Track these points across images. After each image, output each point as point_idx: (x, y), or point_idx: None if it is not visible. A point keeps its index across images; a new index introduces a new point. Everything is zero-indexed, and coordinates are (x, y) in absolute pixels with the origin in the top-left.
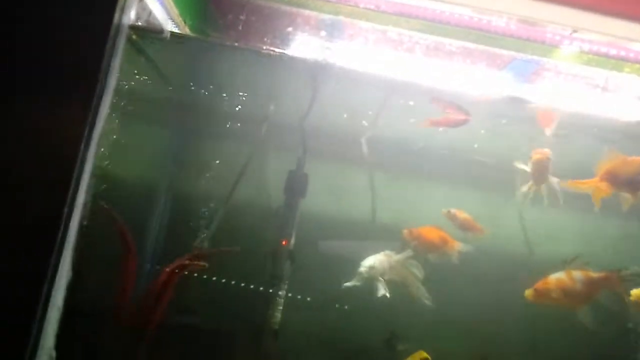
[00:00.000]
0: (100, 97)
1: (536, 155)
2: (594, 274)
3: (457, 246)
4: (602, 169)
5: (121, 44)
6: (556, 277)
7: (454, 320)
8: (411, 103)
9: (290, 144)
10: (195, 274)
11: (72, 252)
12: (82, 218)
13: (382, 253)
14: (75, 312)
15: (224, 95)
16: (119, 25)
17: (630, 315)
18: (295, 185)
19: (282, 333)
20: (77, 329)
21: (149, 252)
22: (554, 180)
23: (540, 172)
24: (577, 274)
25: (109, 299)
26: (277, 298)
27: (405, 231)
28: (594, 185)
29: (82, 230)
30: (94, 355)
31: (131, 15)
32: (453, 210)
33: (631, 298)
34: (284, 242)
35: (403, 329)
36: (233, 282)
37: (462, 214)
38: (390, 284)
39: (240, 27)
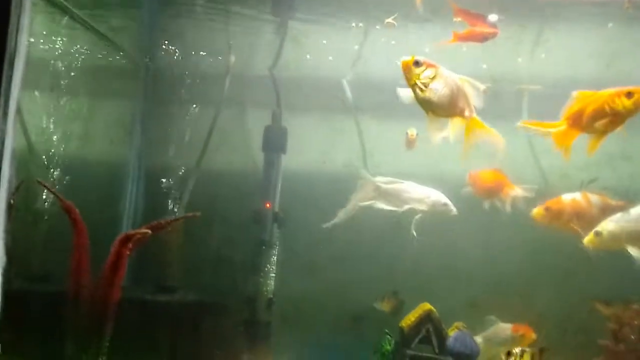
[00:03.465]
0: (12, 62)
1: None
2: (612, 201)
3: (514, 192)
4: (569, 112)
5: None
6: (571, 197)
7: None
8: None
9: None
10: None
11: (3, 235)
12: (9, 196)
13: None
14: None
15: (179, 52)
16: None
17: None
18: (274, 141)
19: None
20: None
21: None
22: None
23: None
24: (594, 197)
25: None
26: (268, 265)
27: (468, 174)
28: (558, 130)
29: (11, 210)
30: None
31: None
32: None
33: None
34: (267, 205)
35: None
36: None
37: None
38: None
39: None
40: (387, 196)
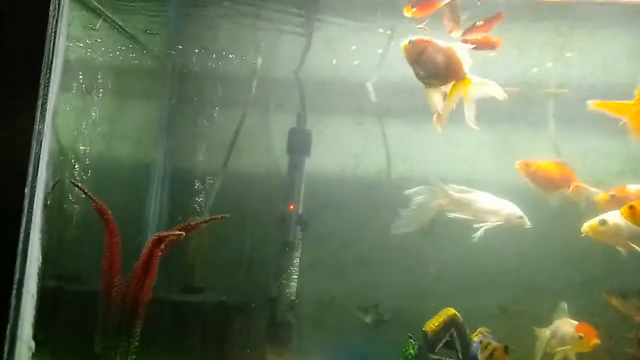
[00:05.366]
0: (50, 66)
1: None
2: None
3: (584, 189)
4: None
5: (66, 4)
6: (635, 188)
7: None
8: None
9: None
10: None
11: (39, 235)
12: (46, 197)
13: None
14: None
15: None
16: None
17: None
18: (298, 144)
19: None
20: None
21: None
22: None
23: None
24: None
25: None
26: (291, 267)
27: (520, 163)
28: (634, 109)
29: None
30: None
31: None
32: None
33: None
34: (291, 207)
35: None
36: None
37: None
38: None
39: None
40: (458, 205)
